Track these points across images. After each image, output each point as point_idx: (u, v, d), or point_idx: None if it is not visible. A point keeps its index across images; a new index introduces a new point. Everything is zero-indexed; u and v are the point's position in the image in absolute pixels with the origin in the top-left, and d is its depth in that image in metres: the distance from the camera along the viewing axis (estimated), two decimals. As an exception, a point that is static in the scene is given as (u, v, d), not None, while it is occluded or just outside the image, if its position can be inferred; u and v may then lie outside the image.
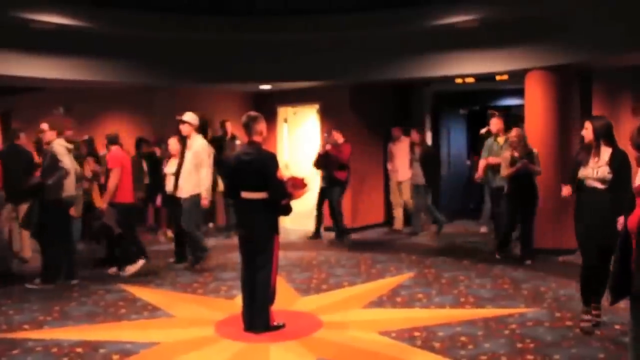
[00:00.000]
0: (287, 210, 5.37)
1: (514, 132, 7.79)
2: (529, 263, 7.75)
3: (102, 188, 8.18)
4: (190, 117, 7.88)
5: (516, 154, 7.66)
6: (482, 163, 8.73)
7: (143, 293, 6.75)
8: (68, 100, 12.12)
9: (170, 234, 9.92)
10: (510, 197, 7.86)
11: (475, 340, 5.02)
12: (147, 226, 10.52)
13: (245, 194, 5.26)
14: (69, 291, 6.89)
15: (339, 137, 9.78)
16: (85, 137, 10.39)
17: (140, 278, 7.47)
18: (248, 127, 5.33)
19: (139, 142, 10.02)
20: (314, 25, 9.02)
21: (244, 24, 9.02)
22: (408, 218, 10.66)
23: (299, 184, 5.20)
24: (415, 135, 10.11)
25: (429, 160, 9.99)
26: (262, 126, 5.35)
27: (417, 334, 5.21)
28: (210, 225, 10.56)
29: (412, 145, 10.20)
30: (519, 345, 4.88)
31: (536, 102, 8.51)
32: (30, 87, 11.26)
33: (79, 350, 4.96)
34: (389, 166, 10.61)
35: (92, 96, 11.42)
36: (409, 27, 8.80)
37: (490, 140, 8.74)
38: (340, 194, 9.80)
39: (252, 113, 5.44)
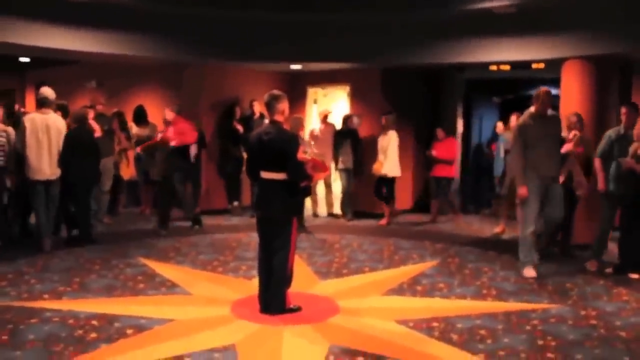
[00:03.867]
0: (306, 192, 5.29)
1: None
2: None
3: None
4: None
5: None
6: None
7: (163, 269, 6.75)
8: (100, 74, 12.24)
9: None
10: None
11: (494, 334, 4.88)
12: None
13: (265, 174, 5.18)
14: (90, 263, 6.93)
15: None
16: (115, 110, 10.47)
17: (161, 254, 7.49)
18: (270, 106, 5.23)
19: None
20: (347, 6, 8.86)
21: (277, 2, 8.90)
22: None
23: (320, 166, 5.11)
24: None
25: None
26: (284, 105, 5.24)
27: (435, 324, 5.09)
28: (236, 203, 10.54)
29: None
30: (540, 342, 4.73)
31: (572, 93, 8.26)
32: (63, 59, 11.33)
33: (95, 322, 4.97)
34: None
35: (124, 71, 11.47)
36: (444, 11, 8.59)
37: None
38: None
39: (275, 92, 5.34)
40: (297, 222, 9.02)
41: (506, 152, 8.49)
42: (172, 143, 8.75)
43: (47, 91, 7.58)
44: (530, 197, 6.61)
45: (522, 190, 6.59)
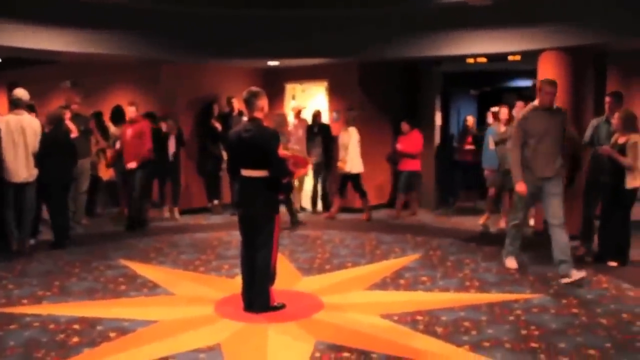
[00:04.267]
0: (288, 189, 5.26)
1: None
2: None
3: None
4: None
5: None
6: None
7: (144, 270, 6.69)
8: (75, 73, 12.08)
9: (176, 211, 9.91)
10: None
11: (478, 325, 4.91)
12: (152, 202, 10.44)
13: (246, 172, 5.14)
14: (70, 266, 6.84)
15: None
16: (92, 110, 10.36)
17: (142, 255, 7.42)
18: (249, 103, 5.19)
19: (146, 118, 9.91)
20: (323, 2, 8.83)
21: (253, -2, 8.85)
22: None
23: (301, 162, 5.09)
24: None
25: None
26: (263, 102, 5.20)
27: (419, 317, 5.11)
28: (216, 202, 10.48)
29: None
30: (524, 332, 4.77)
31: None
32: (36, 59, 11.15)
33: (76, 326, 4.90)
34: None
35: (99, 70, 11.33)
36: (421, 4, 8.60)
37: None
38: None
39: (254, 88, 5.29)
40: (291, 217, 9.08)
41: (496, 144, 8.45)
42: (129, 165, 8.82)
43: (20, 92, 7.47)
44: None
45: (519, 187, 6.30)
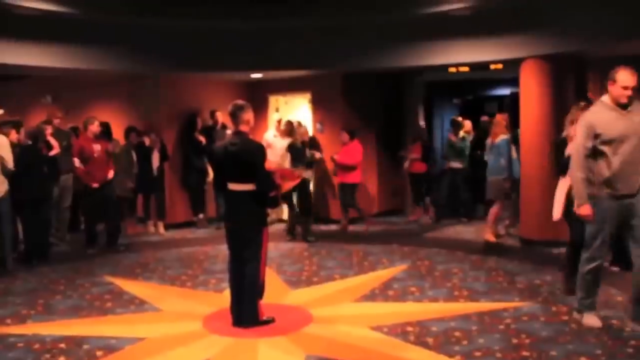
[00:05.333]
0: (275, 202, 5.24)
1: None
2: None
3: None
4: None
5: None
6: None
7: (130, 286, 6.61)
8: (55, 89, 11.94)
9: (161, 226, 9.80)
10: None
11: (469, 335, 4.90)
12: (137, 217, 10.34)
13: (232, 186, 5.11)
14: (55, 284, 6.74)
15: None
16: (71, 125, 10.24)
17: (127, 271, 7.33)
18: (235, 116, 5.16)
19: (129, 132, 9.85)
20: (305, 13, 8.83)
21: (234, 10, 8.81)
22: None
23: (288, 175, 5.07)
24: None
25: None
26: (249, 115, 5.18)
27: (410, 329, 5.08)
28: (201, 216, 10.40)
29: None
30: (514, 340, 4.76)
31: (531, 91, 8.39)
32: (14, 75, 11.03)
33: (62, 346, 4.82)
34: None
35: (80, 85, 11.20)
36: (402, 15, 8.62)
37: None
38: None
39: (239, 102, 5.27)
40: (306, 233, 8.96)
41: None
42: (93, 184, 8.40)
43: None
44: (599, 221, 4.84)
45: (583, 210, 4.86)
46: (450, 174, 10.64)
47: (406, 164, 10.45)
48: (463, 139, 10.65)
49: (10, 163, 7.19)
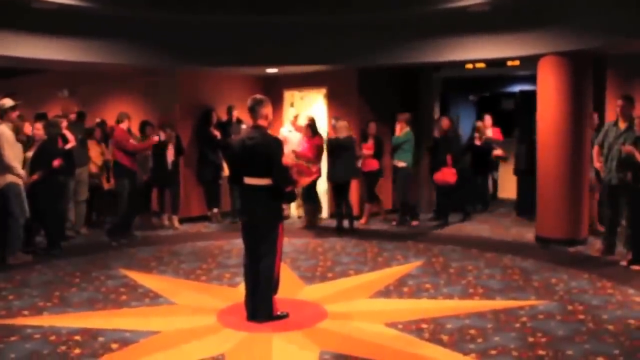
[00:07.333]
0: (291, 197, 5.22)
1: None
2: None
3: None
4: None
5: None
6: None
7: (145, 279, 6.63)
8: (72, 83, 12.01)
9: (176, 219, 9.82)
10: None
11: (484, 333, 4.86)
12: (151, 211, 10.38)
13: (249, 180, 5.10)
14: (70, 276, 6.78)
15: None
16: (98, 120, 10.33)
17: (142, 264, 7.36)
18: (253, 111, 5.16)
19: (144, 126, 9.87)
20: (322, 8, 8.80)
21: (251, 5, 8.80)
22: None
23: (305, 171, 5.04)
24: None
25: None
26: (267, 110, 5.17)
27: (424, 325, 5.06)
28: (215, 210, 10.41)
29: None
30: (530, 339, 4.72)
31: (549, 89, 8.29)
32: (32, 69, 11.10)
33: (77, 338, 4.84)
34: None
35: (97, 79, 11.27)
36: (419, 10, 8.56)
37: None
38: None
39: (258, 96, 5.27)
40: (309, 220, 8.98)
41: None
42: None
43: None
44: None
45: None
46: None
47: (359, 162, 9.88)
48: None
49: (6, 157, 7.05)
